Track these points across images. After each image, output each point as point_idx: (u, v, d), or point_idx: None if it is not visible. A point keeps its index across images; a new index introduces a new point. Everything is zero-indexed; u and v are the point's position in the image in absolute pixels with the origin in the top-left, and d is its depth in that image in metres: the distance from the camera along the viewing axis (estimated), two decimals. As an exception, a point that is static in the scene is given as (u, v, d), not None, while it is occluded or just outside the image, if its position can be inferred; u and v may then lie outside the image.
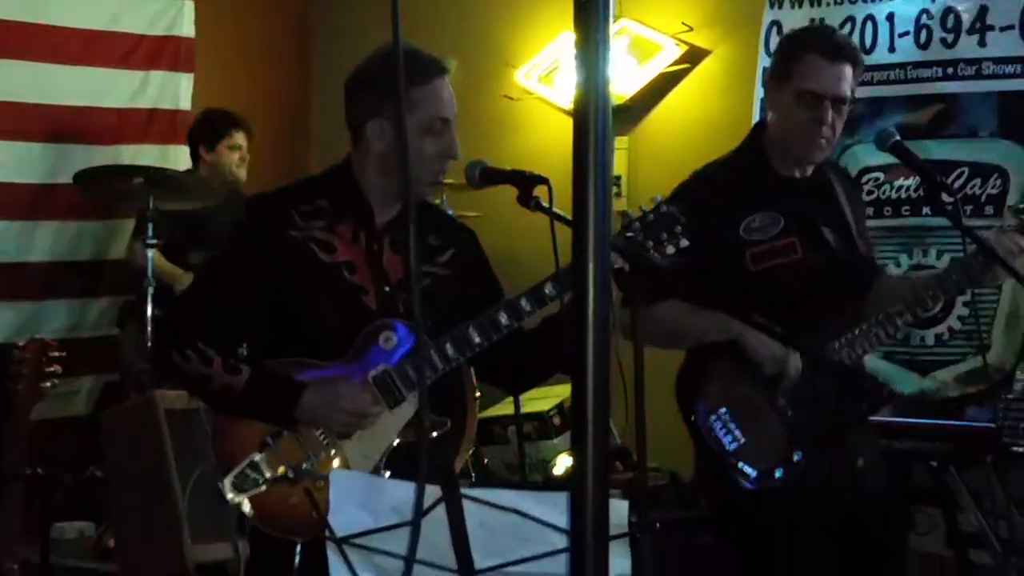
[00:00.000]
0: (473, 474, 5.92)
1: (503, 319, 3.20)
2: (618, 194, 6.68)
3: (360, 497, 2.51)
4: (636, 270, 2.82)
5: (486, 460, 5.94)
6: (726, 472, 3.58)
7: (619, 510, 2.38)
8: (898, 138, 3.68)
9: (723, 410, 3.60)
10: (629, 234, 3.15)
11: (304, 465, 3.15)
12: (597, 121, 1.67)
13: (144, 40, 6.87)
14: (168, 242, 5.92)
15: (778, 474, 3.58)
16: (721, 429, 3.59)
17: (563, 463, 5.87)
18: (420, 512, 1.97)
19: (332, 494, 2.56)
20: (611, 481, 5.18)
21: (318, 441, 3.19)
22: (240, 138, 6.36)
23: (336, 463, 3.19)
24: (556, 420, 5.98)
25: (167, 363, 3.24)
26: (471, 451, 5.38)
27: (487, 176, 3.17)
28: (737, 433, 3.59)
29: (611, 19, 1.63)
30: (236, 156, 6.35)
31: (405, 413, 3.23)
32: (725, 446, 3.58)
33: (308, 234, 3.27)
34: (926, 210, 5.42)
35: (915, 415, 5.22)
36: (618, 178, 6.73)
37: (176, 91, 6.99)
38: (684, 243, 3.24)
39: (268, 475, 3.14)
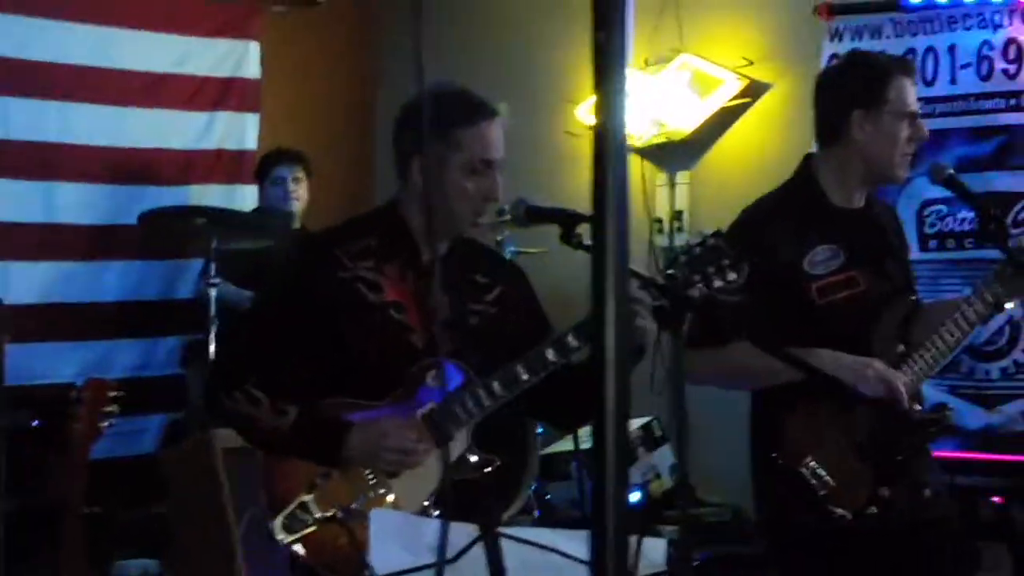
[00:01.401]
0: (537, 510, 5.91)
1: (551, 355, 3.19)
2: (680, 229, 6.68)
3: (400, 536, 2.53)
4: (675, 307, 2.81)
5: (548, 496, 5.93)
6: (818, 516, 3.55)
7: (656, 548, 2.38)
8: (951, 171, 3.67)
9: (809, 458, 3.57)
10: (670, 271, 3.13)
11: (353, 505, 3.16)
12: (615, 163, 1.67)
13: (209, 81, 6.96)
14: (235, 281, 5.98)
15: (870, 511, 3.56)
16: (810, 477, 3.56)
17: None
18: (443, 549, 1.96)
19: (372, 533, 2.58)
20: (672, 517, 5.15)
21: (366, 481, 3.20)
22: (284, 171, 6.42)
23: (389, 501, 3.20)
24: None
25: (216, 404, 3.27)
26: (532, 486, 5.39)
27: (531, 214, 3.18)
28: (826, 478, 3.56)
29: (627, 61, 1.63)
30: (279, 191, 6.42)
31: (453, 452, 3.23)
32: (816, 493, 3.55)
33: (355, 274, 3.29)
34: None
35: (981, 450, 5.17)
36: (680, 213, 6.73)
37: (242, 131, 7.08)
38: (732, 276, 3.21)
39: (317, 515, 3.16)
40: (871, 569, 3.62)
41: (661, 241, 6.65)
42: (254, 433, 3.28)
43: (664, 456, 6.16)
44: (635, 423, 6.01)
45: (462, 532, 2.53)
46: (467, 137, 3.26)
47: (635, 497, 5.89)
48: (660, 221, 6.74)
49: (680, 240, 6.51)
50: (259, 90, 7.14)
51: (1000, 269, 3.67)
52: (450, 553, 2.48)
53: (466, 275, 3.41)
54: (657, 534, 4.17)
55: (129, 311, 6.66)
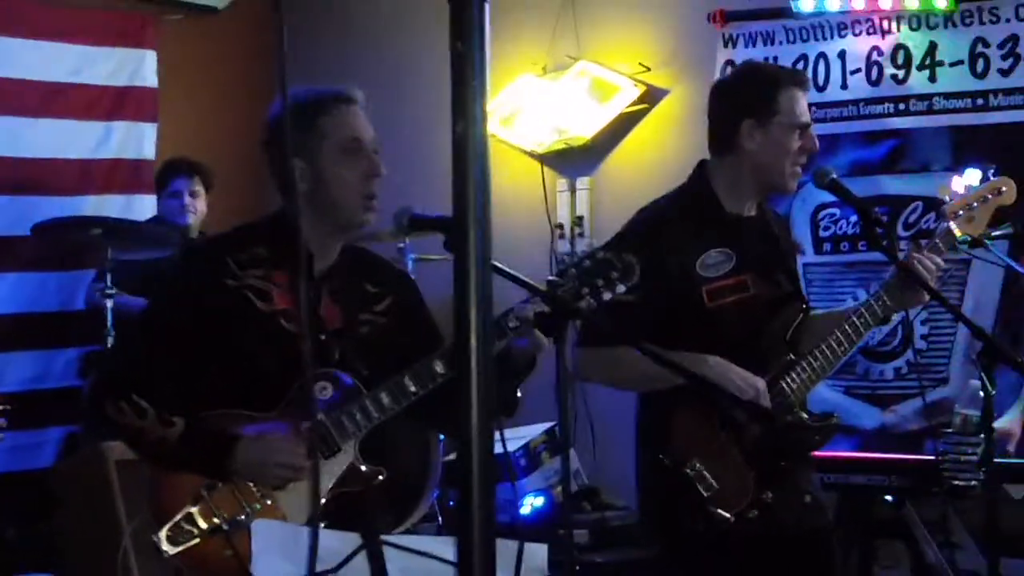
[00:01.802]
0: (440, 518, 5.92)
1: (439, 367, 3.20)
2: (581, 234, 6.72)
3: (282, 546, 2.52)
4: (557, 313, 2.83)
5: (452, 503, 5.93)
6: (699, 518, 3.58)
7: (537, 554, 2.39)
8: (834, 176, 3.72)
9: (694, 459, 3.60)
10: (553, 278, 3.15)
11: (240, 517, 3.14)
12: (475, 167, 1.69)
13: (106, 91, 6.90)
14: (128, 292, 5.93)
15: (752, 515, 3.59)
16: (695, 477, 3.59)
17: (530, 504, 5.88)
18: (313, 558, 1.96)
19: (254, 544, 2.57)
20: (578, 521, 5.19)
21: (253, 493, 3.18)
22: (182, 184, 6.38)
23: (275, 513, 3.18)
24: (522, 461, 5.98)
25: (101, 415, 3.23)
26: (435, 494, 5.39)
27: (414, 223, 3.18)
28: (710, 480, 3.59)
29: (487, 66, 1.65)
30: (176, 203, 6.38)
31: (341, 463, 3.22)
32: (701, 493, 3.58)
33: (244, 282, 3.26)
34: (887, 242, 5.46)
35: (876, 449, 5.24)
36: (581, 218, 6.77)
37: (140, 141, 7.02)
38: (621, 289, 3.24)
39: (203, 527, 3.13)
40: (752, 573, 3.66)
41: (563, 247, 6.68)
42: (140, 444, 3.25)
43: (569, 460, 6.18)
44: (539, 428, 6.03)
45: (346, 541, 2.53)
46: (329, 124, 3.27)
47: (540, 501, 5.91)
48: (561, 227, 6.78)
49: (581, 245, 6.54)
50: (156, 99, 7.08)
51: (889, 282, 3.72)
52: (334, 562, 2.48)
53: (357, 284, 3.40)
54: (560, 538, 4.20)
55: (24, 323, 6.57)
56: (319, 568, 2.45)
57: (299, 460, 3.15)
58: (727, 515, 3.58)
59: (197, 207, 6.43)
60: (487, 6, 1.68)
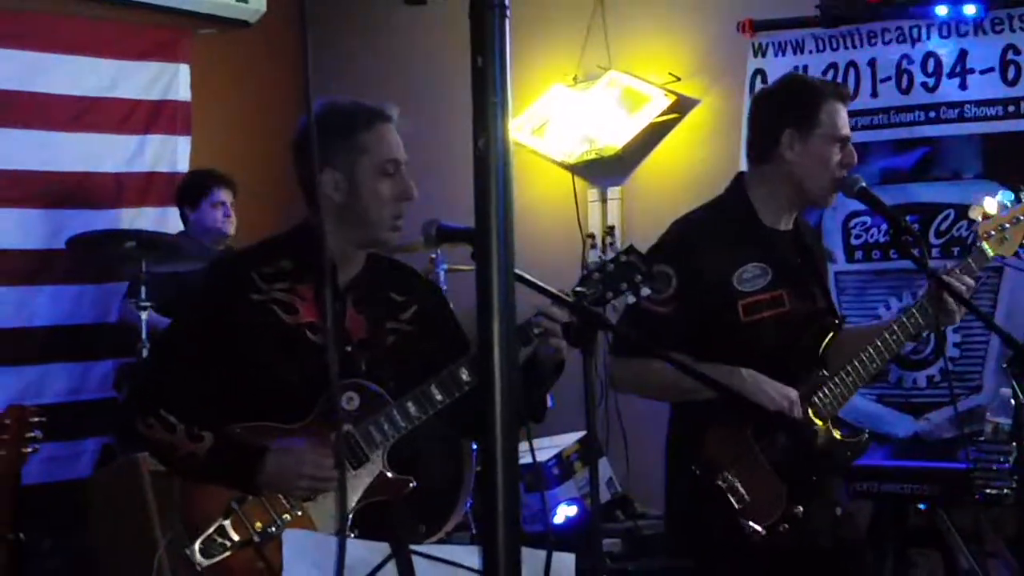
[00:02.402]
0: (473, 527, 5.93)
1: (464, 375, 3.21)
2: (612, 244, 6.72)
3: (313, 556, 2.54)
4: (584, 324, 2.84)
5: (483, 512, 5.94)
6: (731, 530, 3.58)
7: (565, 563, 2.40)
8: (863, 184, 3.72)
9: (726, 470, 3.60)
10: (579, 288, 3.16)
11: (270, 529, 3.16)
12: (498, 181, 1.70)
13: (140, 104, 6.96)
14: (162, 304, 5.97)
15: (783, 528, 3.59)
16: (728, 489, 3.59)
17: (563, 513, 5.89)
18: (341, 568, 1.98)
19: (285, 554, 2.59)
20: (609, 530, 5.17)
21: (283, 504, 3.20)
22: (223, 194, 6.42)
23: (305, 524, 3.20)
24: (555, 470, 5.99)
25: (133, 431, 3.27)
26: (468, 503, 5.40)
27: (442, 234, 3.20)
28: (742, 493, 3.59)
29: (508, 81, 1.66)
30: (219, 213, 6.42)
31: (370, 473, 3.24)
32: (733, 505, 3.58)
33: (270, 296, 3.28)
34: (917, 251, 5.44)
35: (909, 458, 5.22)
36: (612, 228, 6.77)
37: (174, 154, 7.08)
38: (645, 291, 3.24)
39: (235, 539, 3.16)
40: None
41: (594, 256, 6.69)
42: (171, 459, 3.27)
43: (601, 469, 6.19)
44: (572, 437, 6.04)
45: (375, 550, 2.55)
46: (371, 141, 3.29)
47: (573, 511, 5.92)
48: (593, 236, 6.79)
49: (613, 255, 6.55)
50: (190, 112, 7.14)
51: (922, 299, 3.71)
52: (363, 572, 2.50)
53: (382, 294, 3.42)
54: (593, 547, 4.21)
55: (61, 335, 6.63)
56: (349, 578, 2.47)
57: (327, 471, 3.17)
58: (759, 528, 3.57)
59: (233, 218, 6.48)
60: (508, 22, 1.70)
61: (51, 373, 6.60)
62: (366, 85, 6.87)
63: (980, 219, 3.81)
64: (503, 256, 1.69)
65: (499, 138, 1.69)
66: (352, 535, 3.13)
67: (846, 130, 3.77)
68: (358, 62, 7.46)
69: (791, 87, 3.94)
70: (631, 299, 3.24)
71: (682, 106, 6.61)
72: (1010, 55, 5.50)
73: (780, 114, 3.79)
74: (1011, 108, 5.49)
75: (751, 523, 3.58)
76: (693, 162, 6.51)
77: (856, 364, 3.70)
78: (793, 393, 3.62)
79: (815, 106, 3.75)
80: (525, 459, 5.79)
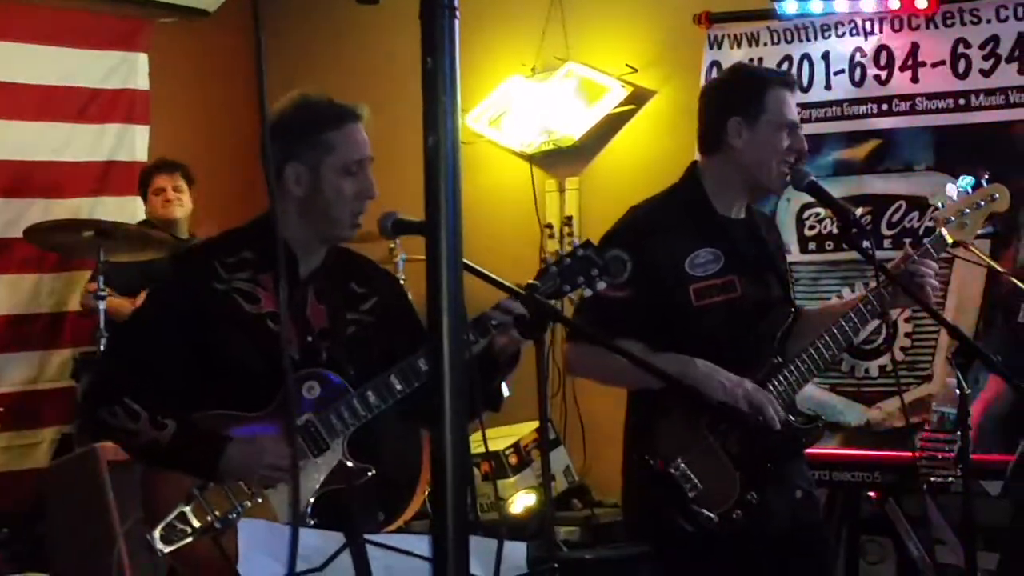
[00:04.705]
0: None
1: (423, 365, 3.25)
2: (570, 234, 6.77)
3: (268, 545, 2.57)
4: (536, 315, 2.89)
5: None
6: (685, 517, 3.62)
7: (516, 552, 2.45)
8: (812, 177, 3.77)
9: (679, 459, 3.64)
10: (533, 281, 3.20)
11: (231, 515, 3.20)
12: (447, 178, 1.74)
13: (100, 94, 6.96)
14: (121, 293, 5.99)
15: (736, 516, 3.64)
16: (680, 477, 3.63)
17: (519, 501, 5.94)
18: (294, 557, 2.02)
19: (240, 543, 2.63)
20: (566, 518, 5.21)
21: (244, 492, 3.24)
22: (162, 180, 6.46)
23: (265, 511, 3.24)
24: (512, 459, 6.04)
25: (95, 418, 3.30)
26: (428, 492, 5.44)
27: (398, 227, 3.24)
28: (695, 480, 3.63)
29: (458, 81, 1.70)
30: (159, 200, 6.46)
31: (330, 461, 3.28)
32: (686, 493, 3.63)
33: (232, 285, 3.32)
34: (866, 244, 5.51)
35: (861, 446, 5.29)
36: (569, 218, 6.82)
37: (132, 143, 7.08)
38: (601, 285, 3.28)
39: (196, 525, 3.20)
40: (740, 573, 3.71)
41: (553, 247, 6.74)
42: (133, 446, 3.31)
43: (559, 458, 6.25)
44: (530, 426, 6.09)
45: (331, 539, 2.58)
46: (338, 139, 3.33)
47: (530, 498, 5.96)
48: (551, 227, 6.84)
49: (570, 245, 6.59)
50: (148, 102, 7.13)
51: (877, 286, 3.76)
52: (319, 561, 2.54)
53: (342, 285, 3.46)
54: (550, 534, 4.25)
55: (18, 324, 6.63)
56: (305, 567, 2.50)
57: (288, 460, 3.22)
58: (712, 515, 3.62)
59: (183, 201, 6.50)
60: (457, 23, 1.74)
61: (9, 362, 6.61)
62: (323, 78, 6.88)
63: (940, 204, 3.85)
64: (452, 250, 1.73)
65: (448, 136, 1.73)
66: (311, 524, 3.18)
67: (793, 116, 3.81)
68: (315, 55, 7.46)
69: (737, 76, 3.99)
70: (588, 292, 3.28)
71: (639, 97, 6.66)
72: (960, 49, 5.57)
73: (727, 103, 3.83)
74: (961, 101, 5.56)
75: (704, 510, 3.62)
76: (650, 153, 6.56)
77: (812, 352, 3.74)
78: (747, 384, 3.66)
79: (761, 94, 3.79)
80: (481, 448, 5.86)
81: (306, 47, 7.49)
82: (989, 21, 5.52)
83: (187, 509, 3.21)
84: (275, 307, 3.32)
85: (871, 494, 4.99)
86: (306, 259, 3.39)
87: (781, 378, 3.72)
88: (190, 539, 3.19)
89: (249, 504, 3.23)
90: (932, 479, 4.37)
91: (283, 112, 3.36)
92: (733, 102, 3.82)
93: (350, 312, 3.44)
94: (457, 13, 1.73)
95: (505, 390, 3.43)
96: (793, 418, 3.76)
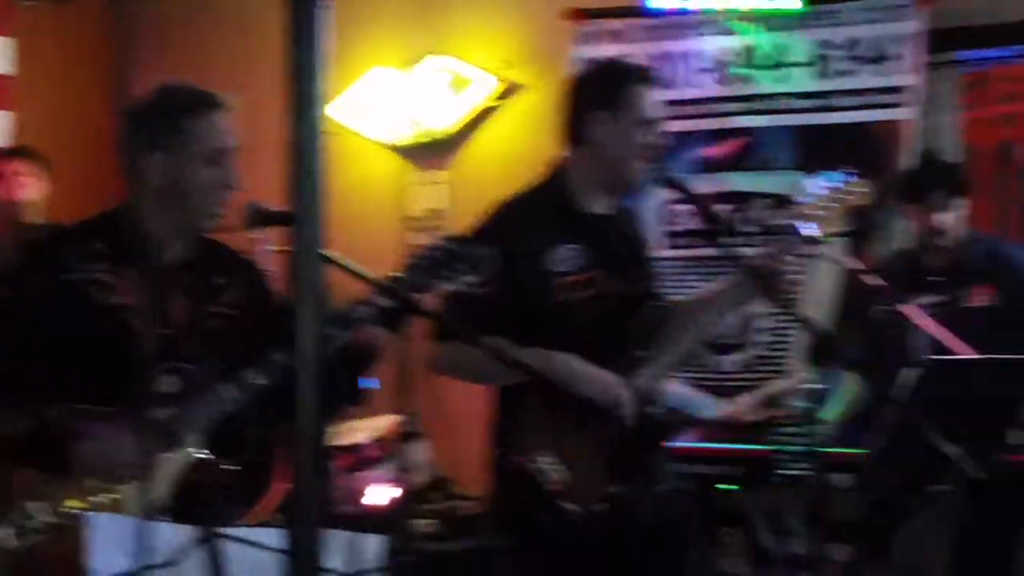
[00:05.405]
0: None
1: (283, 359, 3.22)
2: (438, 227, 6.76)
3: (119, 540, 2.53)
4: (400, 309, 2.88)
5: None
6: (547, 510, 3.63)
7: (371, 545, 2.44)
8: (672, 174, 3.83)
9: (543, 453, 3.65)
10: (396, 274, 3.19)
11: (84, 511, 3.13)
12: (311, 169, 1.73)
13: (-39, 77, 6.78)
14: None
15: (600, 508, 3.66)
16: (544, 471, 3.64)
17: (380, 494, 5.91)
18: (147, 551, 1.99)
19: (92, 537, 2.58)
20: (428, 511, 5.20)
21: (98, 487, 3.18)
22: (5, 166, 6.33)
23: (119, 506, 3.19)
24: (374, 452, 6.02)
25: None
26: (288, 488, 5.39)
27: (260, 217, 3.21)
28: (558, 474, 3.64)
29: (323, 72, 1.69)
30: (2, 186, 6.34)
31: (187, 455, 3.24)
32: (550, 487, 3.64)
33: (87, 277, 3.25)
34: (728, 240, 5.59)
35: (718, 440, 5.37)
36: (437, 211, 6.82)
37: (-6, 129, 6.90)
38: (468, 280, 3.28)
39: (46, 521, 3.13)
40: (604, 566, 3.74)
41: (419, 240, 6.71)
42: None
43: (420, 451, 6.24)
44: (392, 420, 6.06)
45: (184, 533, 2.55)
46: (200, 127, 3.28)
47: (391, 492, 5.94)
48: (419, 220, 6.82)
49: (438, 238, 6.59)
50: (10, 87, 6.96)
51: (736, 279, 3.81)
52: (172, 555, 2.51)
53: (205, 276, 3.41)
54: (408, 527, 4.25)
55: None
56: (158, 561, 2.47)
57: (142, 455, 3.16)
58: (577, 508, 3.64)
59: (29, 185, 6.36)
60: (323, 12, 1.72)
61: None
62: (185, 65, 6.77)
63: (802, 199, 3.91)
64: (314, 241, 1.73)
65: (313, 126, 1.72)
66: (167, 519, 3.14)
67: (652, 111, 3.86)
68: (179, 42, 7.36)
69: (598, 71, 4.02)
70: (455, 287, 3.27)
71: (509, 91, 6.68)
72: (824, 50, 5.68)
73: (588, 98, 3.86)
74: (824, 101, 5.68)
75: (569, 504, 3.64)
76: (519, 147, 6.58)
77: (673, 345, 3.79)
78: (611, 378, 3.69)
79: (622, 89, 3.82)
80: (344, 441, 5.81)
81: (168, 34, 7.38)
82: (852, 24, 5.64)
83: (38, 504, 3.14)
84: (132, 299, 3.26)
85: (727, 487, 5.06)
86: (166, 250, 3.34)
87: (644, 372, 3.76)
88: (41, 535, 3.13)
89: (102, 500, 3.17)
90: (786, 472, 4.45)
91: (145, 100, 3.31)
92: (595, 96, 3.85)
93: (212, 304, 3.39)
94: (325, 2, 1.72)
95: (371, 384, 3.42)
96: (655, 412, 3.81)
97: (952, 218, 4.86)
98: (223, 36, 7.34)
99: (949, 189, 4.87)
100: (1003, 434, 4.00)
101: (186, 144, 3.26)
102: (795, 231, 3.83)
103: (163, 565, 2.43)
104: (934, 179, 4.93)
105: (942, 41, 5.64)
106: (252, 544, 2.41)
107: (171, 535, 2.53)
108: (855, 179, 3.94)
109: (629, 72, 3.94)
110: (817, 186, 3.88)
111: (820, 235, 3.87)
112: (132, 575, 2.46)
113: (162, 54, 7.01)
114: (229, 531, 2.41)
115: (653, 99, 3.87)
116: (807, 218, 3.84)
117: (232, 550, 2.50)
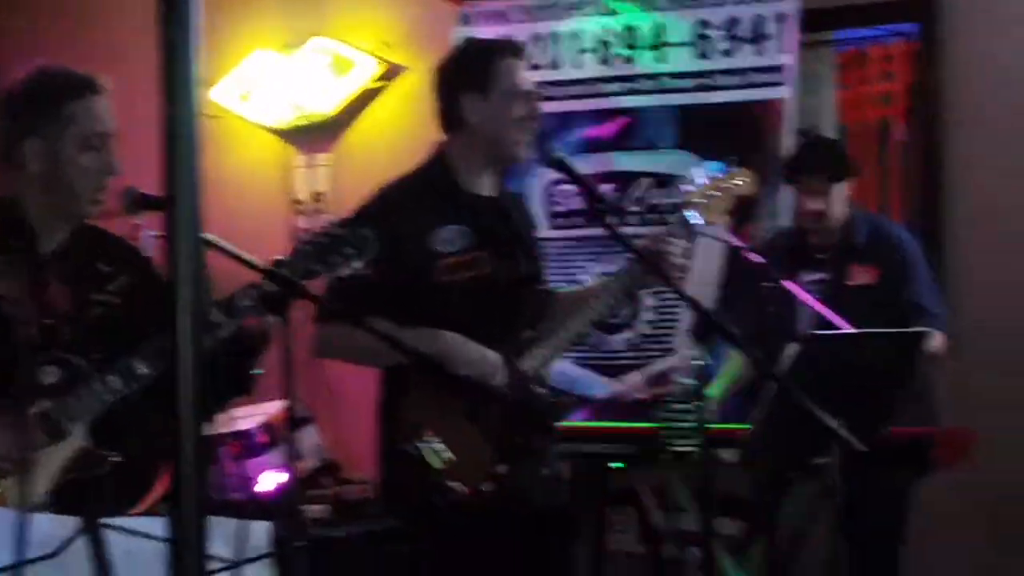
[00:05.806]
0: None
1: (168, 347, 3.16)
2: (321, 210, 6.72)
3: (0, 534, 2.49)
4: (283, 293, 2.86)
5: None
6: (434, 491, 3.63)
7: (258, 532, 2.42)
8: (558, 154, 3.82)
9: (430, 433, 3.65)
10: (280, 258, 3.16)
11: (-37, 505, 3.07)
12: (187, 152, 1.70)
13: None
14: None
15: (486, 488, 3.65)
16: (431, 452, 3.63)
17: (269, 480, 5.86)
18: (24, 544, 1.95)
19: (-30, 531, 2.52)
20: (318, 496, 5.17)
21: None
22: None
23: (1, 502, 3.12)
24: (262, 437, 5.96)
25: None
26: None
27: (139, 202, 3.16)
28: (445, 453, 3.64)
29: (199, 54, 1.66)
30: None
31: (70, 447, 3.18)
32: (436, 467, 3.63)
33: None
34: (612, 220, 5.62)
35: (607, 419, 5.41)
36: (321, 194, 6.77)
37: None
38: (357, 264, 3.26)
39: None
40: (494, 546, 3.74)
41: (304, 223, 6.68)
42: None
43: (309, 436, 6.19)
44: (279, 405, 6.01)
45: (66, 525, 2.51)
46: (78, 111, 3.23)
47: (279, 478, 5.90)
48: (302, 203, 6.77)
49: (322, 221, 6.54)
50: None
51: (630, 267, 3.83)
52: (53, 547, 2.47)
53: (88, 264, 3.35)
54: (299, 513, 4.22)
55: None
56: (38, 554, 2.43)
57: (20, 450, 3.09)
58: (463, 488, 3.64)
59: None
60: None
61: None
62: (57, 50, 6.64)
63: (688, 187, 3.95)
64: (191, 225, 1.70)
65: (188, 108, 1.69)
66: (50, 511, 3.07)
67: (525, 84, 3.85)
68: (50, 26, 7.21)
69: (464, 51, 4.01)
70: (344, 272, 3.25)
71: (391, 73, 6.65)
72: (703, 30, 5.73)
73: (458, 79, 3.85)
74: (704, 81, 5.73)
75: (455, 484, 3.64)
76: (403, 129, 6.55)
77: (564, 328, 3.80)
78: (496, 358, 3.69)
79: (490, 65, 3.81)
80: (232, 428, 5.75)
81: (41, 9, 7.24)
82: (730, 3, 5.69)
83: None
84: (11, 290, 3.20)
85: (617, 465, 5.10)
86: (46, 237, 3.28)
87: (533, 353, 3.77)
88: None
89: (-19, 493, 3.10)
90: (673, 449, 4.50)
91: (21, 84, 3.24)
92: (464, 77, 3.84)
93: (96, 293, 3.33)
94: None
95: (257, 371, 3.38)
96: (543, 392, 3.82)
97: (834, 198, 4.93)
98: (99, 15, 7.21)
99: (831, 170, 4.93)
100: (884, 407, 4.07)
101: (65, 129, 3.21)
102: (682, 219, 3.87)
103: (44, 557, 2.39)
104: (815, 160, 4.99)
105: (819, 20, 5.71)
106: (136, 534, 2.38)
107: (54, 527, 2.49)
108: (737, 169, 3.99)
109: (494, 48, 3.92)
110: (700, 175, 3.92)
111: (703, 223, 3.92)
112: (11, 568, 2.41)
113: (34, 34, 6.86)
114: (113, 521, 2.38)
115: (522, 70, 3.86)
116: (690, 207, 3.89)
117: (117, 541, 2.46)
